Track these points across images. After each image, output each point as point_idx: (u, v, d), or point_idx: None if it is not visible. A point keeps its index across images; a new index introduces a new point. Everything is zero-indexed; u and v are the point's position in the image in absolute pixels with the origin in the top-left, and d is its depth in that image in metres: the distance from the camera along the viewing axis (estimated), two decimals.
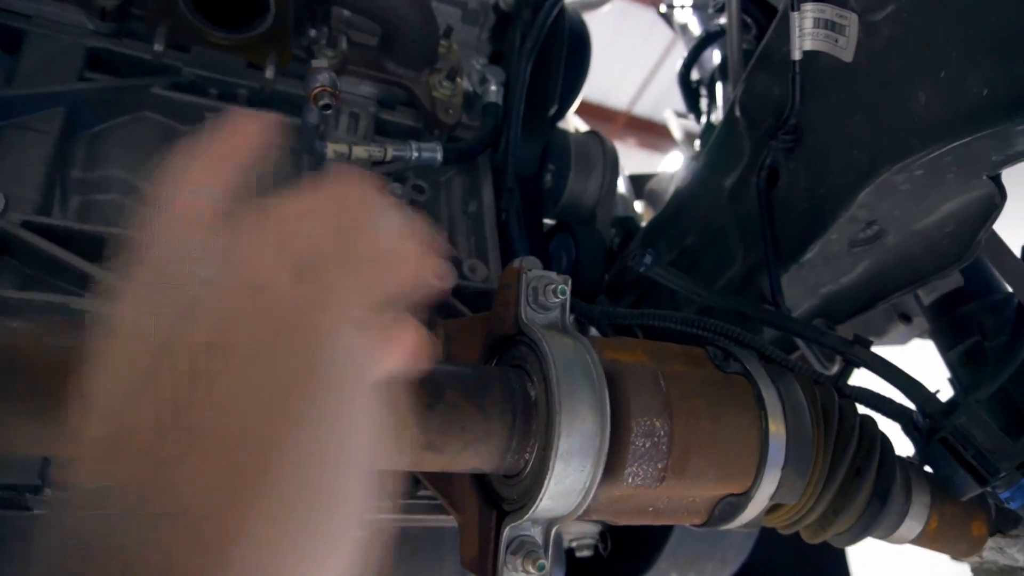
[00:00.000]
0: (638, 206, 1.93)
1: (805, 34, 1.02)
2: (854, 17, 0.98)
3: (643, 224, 1.64)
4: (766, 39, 1.20)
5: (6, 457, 0.83)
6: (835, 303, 1.20)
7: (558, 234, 1.47)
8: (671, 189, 1.80)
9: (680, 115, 1.81)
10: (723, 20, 1.48)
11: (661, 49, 8.58)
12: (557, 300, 0.81)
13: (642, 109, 9.72)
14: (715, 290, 1.24)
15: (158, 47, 1.09)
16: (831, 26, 1.01)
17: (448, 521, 1.03)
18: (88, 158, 1.11)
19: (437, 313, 1.14)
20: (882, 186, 0.97)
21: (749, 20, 1.39)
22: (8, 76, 1.08)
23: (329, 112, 0.98)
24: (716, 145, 1.34)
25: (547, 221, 1.53)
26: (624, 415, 0.77)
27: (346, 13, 1.35)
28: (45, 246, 0.90)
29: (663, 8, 1.75)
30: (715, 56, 1.59)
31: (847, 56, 1.00)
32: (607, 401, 0.74)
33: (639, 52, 8.51)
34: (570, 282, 0.82)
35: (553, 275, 0.82)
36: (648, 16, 8.05)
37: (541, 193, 1.52)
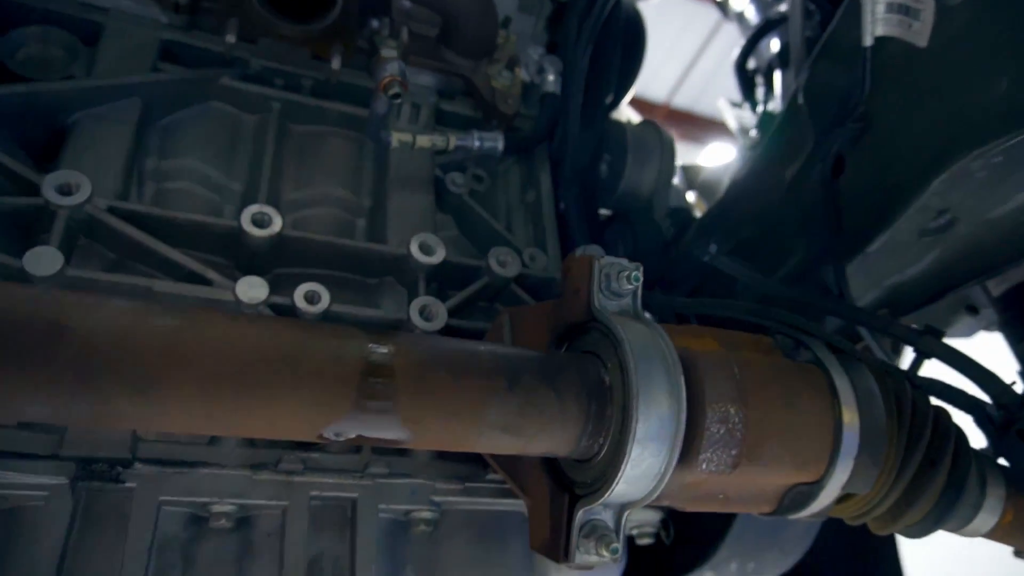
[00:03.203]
0: (689, 196, 1.92)
1: (878, 19, 1.01)
2: (930, 1, 0.96)
3: (697, 215, 1.63)
4: (833, 25, 1.18)
5: (101, 433, 0.86)
6: (900, 294, 1.18)
7: (614, 224, 1.47)
8: (725, 180, 1.78)
9: (734, 104, 1.79)
10: (783, 7, 1.46)
11: (699, 41, 8.48)
12: (630, 287, 0.81)
13: (681, 101, 9.62)
14: (782, 283, 1.22)
15: (230, 39, 1.12)
16: (905, 11, 0.99)
17: (514, 505, 1.05)
18: (161, 147, 1.14)
19: (500, 301, 1.15)
20: (956, 174, 0.96)
21: (812, 7, 1.37)
22: (87, 67, 1.11)
23: (398, 101, 1.00)
24: (777, 134, 1.33)
25: (602, 211, 1.53)
26: (699, 401, 0.77)
27: (406, 4, 1.36)
28: (129, 231, 0.93)
29: None
30: (773, 44, 1.57)
31: (921, 41, 0.99)
32: (683, 386, 0.74)
33: (677, 44, 8.42)
34: (642, 269, 0.82)
35: (625, 262, 0.83)
36: (686, 8, 7.97)
37: (597, 183, 1.52)
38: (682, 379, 0.75)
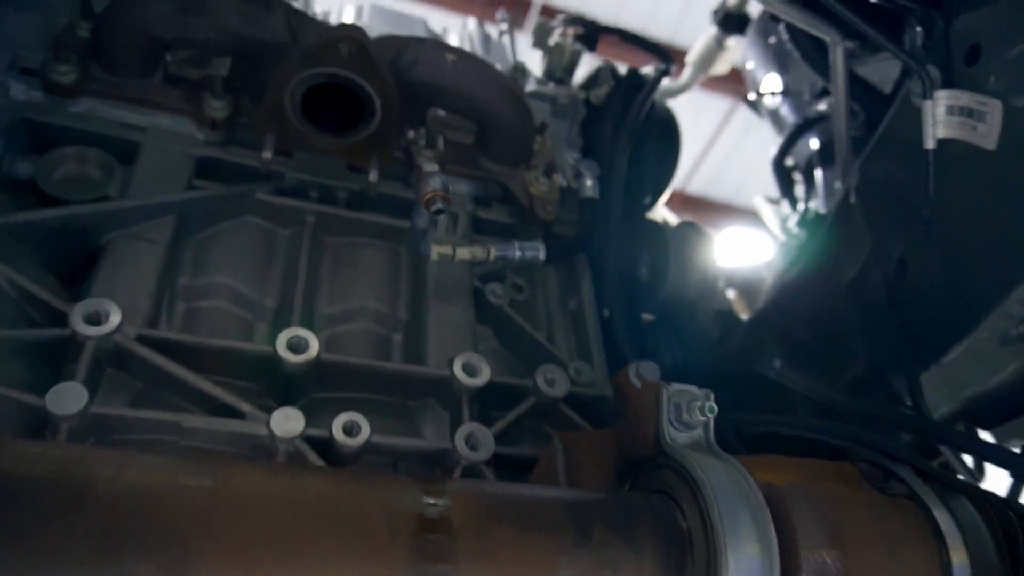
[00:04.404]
0: (728, 294, 1.86)
1: (939, 122, 0.97)
2: (996, 103, 0.92)
3: (742, 317, 1.57)
4: (885, 124, 1.15)
5: None
6: (982, 406, 1.09)
7: (658, 329, 1.41)
8: (766, 278, 1.72)
9: (771, 201, 1.76)
10: (822, 107, 1.44)
11: (710, 131, 8.64)
12: (702, 418, 0.74)
13: (694, 188, 9.75)
14: (845, 392, 1.14)
15: (267, 155, 1.10)
16: (968, 113, 0.95)
17: None
18: (194, 265, 1.11)
19: (548, 422, 1.08)
20: None
21: (856, 106, 1.35)
22: (123, 186, 1.09)
23: (441, 216, 0.96)
24: (829, 235, 1.28)
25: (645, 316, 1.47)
26: (791, 548, 0.68)
27: (441, 113, 1.35)
28: (159, 361, 0.88)
29: (751, 96, 1.72)
30: (812, 143, 1.54)
31: (989, 144, 0.94)
32: (773, 534, 0.66)
33: (689, 133, 8.55)
34: (713, 397, 0.75)
35: (695, 390, 0.76)
36: (697, 98, 8.16)
37: (638, 287, 1.47)
38: (771, 525, 0.66)
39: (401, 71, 1.15)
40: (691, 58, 1.97)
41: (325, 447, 0.89)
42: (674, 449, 0.72)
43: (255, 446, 0.89)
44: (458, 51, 1.21)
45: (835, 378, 1.23)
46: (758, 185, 1.94)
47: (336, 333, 1.14)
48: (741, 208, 8.13)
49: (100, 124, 1.12)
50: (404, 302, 1.20)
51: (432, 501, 0.62)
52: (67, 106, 1.12)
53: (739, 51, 2.07)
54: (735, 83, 2.34)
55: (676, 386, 0.77)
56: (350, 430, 0.88)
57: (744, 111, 1.86)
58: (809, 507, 0.71)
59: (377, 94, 1.08)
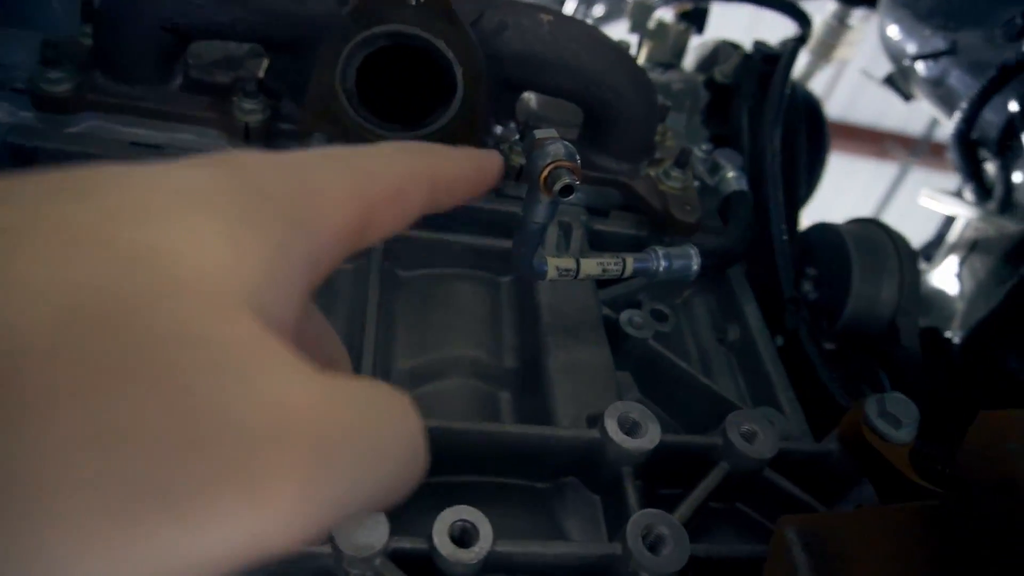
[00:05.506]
0: None
1: None
2: None
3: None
4: None
5: None
6: None
7: (852, 364, 1.04)
8: (949, 289, 1.34)
9: (949, 193, 1.39)
10: None
11: None
12: None
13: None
14: None
15: None
16: None
17: None
18: None
19: (748, 500, 0.72)
20: None
21: None
22: None
23: (571, 198, 0.65)
24: None
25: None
26: None
27: (533, 104, 1.06)
28: None
29: (905, 63, 1.39)
30: (1010, 104, 1.18)
31: None
32: None
33: None
34: None
35: None
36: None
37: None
38: None
39: (485, 39, 0.87)
40: (810, 44, 1.66)
41: (422, 564, 0.56)
42: None
43: (317, 571, 0.56)
44: (554, 11, 0.92)
45: None
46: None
47: (422, 394, 0.82)
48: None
49: (105, 145, 0.87)
50: (511, 346, 0.88)
51: None
52: (64, 125, 0.87)
53: (864, 30, 1.75)
54: None
55: None
56: (462, 538, 0.55)
57: None
58: None
59: (459, 60, 0.80)
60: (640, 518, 0.59)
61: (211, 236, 0.26)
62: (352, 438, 0.26)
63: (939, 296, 1.40)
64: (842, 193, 6.34)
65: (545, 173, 0.64)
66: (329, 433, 0.24)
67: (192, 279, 0.24)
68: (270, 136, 0.91)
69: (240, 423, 0.22)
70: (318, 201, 0.32)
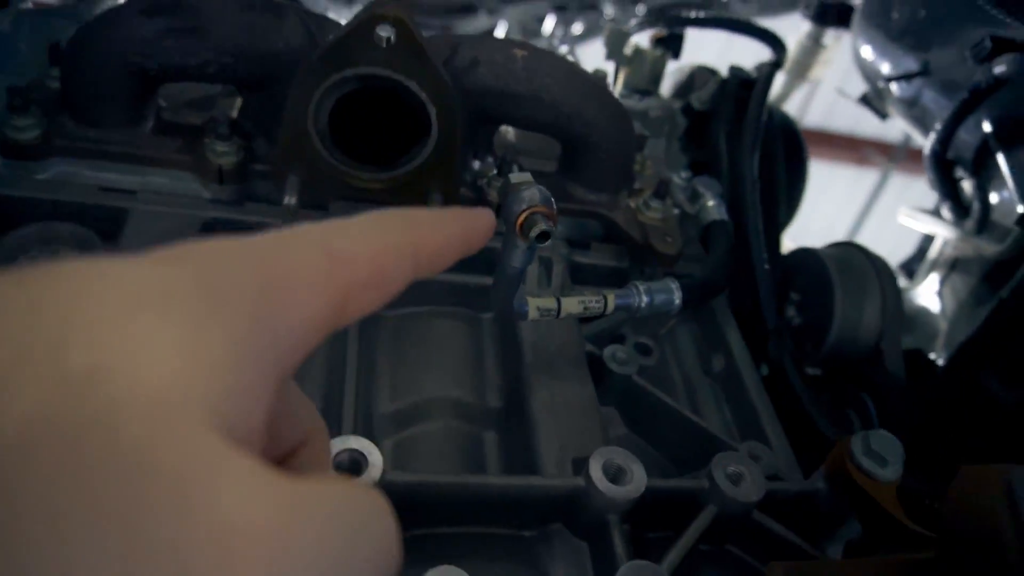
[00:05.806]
0: None
1: None
2: None
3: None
4: None
5: None
6: None
7: (834, 390, 1.04)
8: (929, 306, 1.35)
9: (925, 212, 1.40)
10: (1000, 69, 1.10)
11: None
12: None
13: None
14: None
15: (291, 200, 0.80)
16: None
17: None
18: None
19: (737, 541, 0.71)
20: None
21: None
22: None
23: (546, 243, 0.64)
24: None
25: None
26: None
27: (511, 137, 1.05)
28: None
29: (880, 84, 1.39)
30: (983, 124, 1.19)
31: None
32: None
33: None
34: None
35: None
36: None
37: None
38: None
39: (458, 77, 0.86)
40: (786, 64, 1.67)
41: None
42: None
43: None
44: (527, 45, 0.91)
45: None
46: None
47: (405, 439, 0.81)
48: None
49: (75, 191, 0.85)
50: (494, 386, 0.87)
51: None
52: (33, 172, 0.86)
53: (838, 48, 1.76)
54: None
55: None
56: None
57: None
58: None
59: (432, 99, 0.79)
60: (628, 571, 0.58)
61: (167, 347, 0.25)
62: (317, 549, 0.24)
63: (923, 313, 1.41)
64: (823, 202, 6.39)
65: (521, 219, 0.63)
66: (289, 548, 0.23)
67: (144, 399, 0.23)
68: (244, 177, 0.90)
69: (185, 562, 0.20)
70: (286, 292, 0.30)
